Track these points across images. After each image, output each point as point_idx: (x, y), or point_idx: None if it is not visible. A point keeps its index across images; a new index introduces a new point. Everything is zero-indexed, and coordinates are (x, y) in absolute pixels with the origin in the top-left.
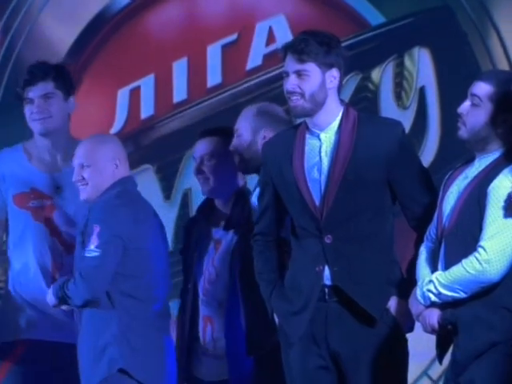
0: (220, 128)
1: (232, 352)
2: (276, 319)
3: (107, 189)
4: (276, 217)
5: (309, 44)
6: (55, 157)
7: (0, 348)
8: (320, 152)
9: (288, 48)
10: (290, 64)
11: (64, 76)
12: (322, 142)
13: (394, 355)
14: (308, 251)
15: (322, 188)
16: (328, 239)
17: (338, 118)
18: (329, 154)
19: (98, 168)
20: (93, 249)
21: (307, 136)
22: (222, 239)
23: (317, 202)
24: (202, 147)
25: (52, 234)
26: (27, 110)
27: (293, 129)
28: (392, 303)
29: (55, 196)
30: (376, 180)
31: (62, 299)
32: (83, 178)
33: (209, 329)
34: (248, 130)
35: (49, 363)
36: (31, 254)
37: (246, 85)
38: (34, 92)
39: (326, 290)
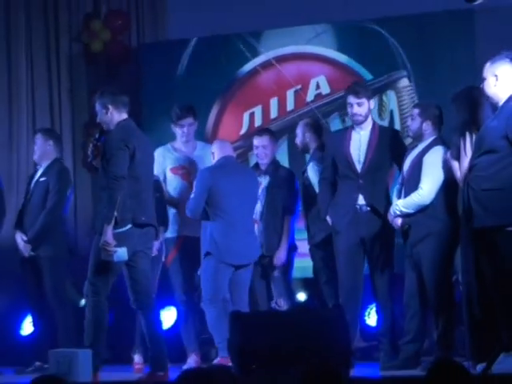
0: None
1: (269, 245)
2: (329, 220)
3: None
4: (332, 171)
5: (360, 87)
6: (188, 148)
7: (169, 240)
8: (360, 141)
9: (350, 91)
10: (352, 99)
11: (196, 113)
12: (362, 136)
13: (389, 234)
14: (350, 187)
15: (361, 160)
16: (361, 181)
17: (371, 124)
18: (365, 143)
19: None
20: None
21: (353, 133)
22: (262, 181)
23: (358, 167)
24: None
25: (190, 187)
26: (179, 130)
27: (345, 129)
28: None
29: (189, 166)
30: (387, 155)
31: None
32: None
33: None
34: (301, 133)
35: (189, 251)
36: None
37: (305, 109)
38: (185, 122)
39: (358, 206)
